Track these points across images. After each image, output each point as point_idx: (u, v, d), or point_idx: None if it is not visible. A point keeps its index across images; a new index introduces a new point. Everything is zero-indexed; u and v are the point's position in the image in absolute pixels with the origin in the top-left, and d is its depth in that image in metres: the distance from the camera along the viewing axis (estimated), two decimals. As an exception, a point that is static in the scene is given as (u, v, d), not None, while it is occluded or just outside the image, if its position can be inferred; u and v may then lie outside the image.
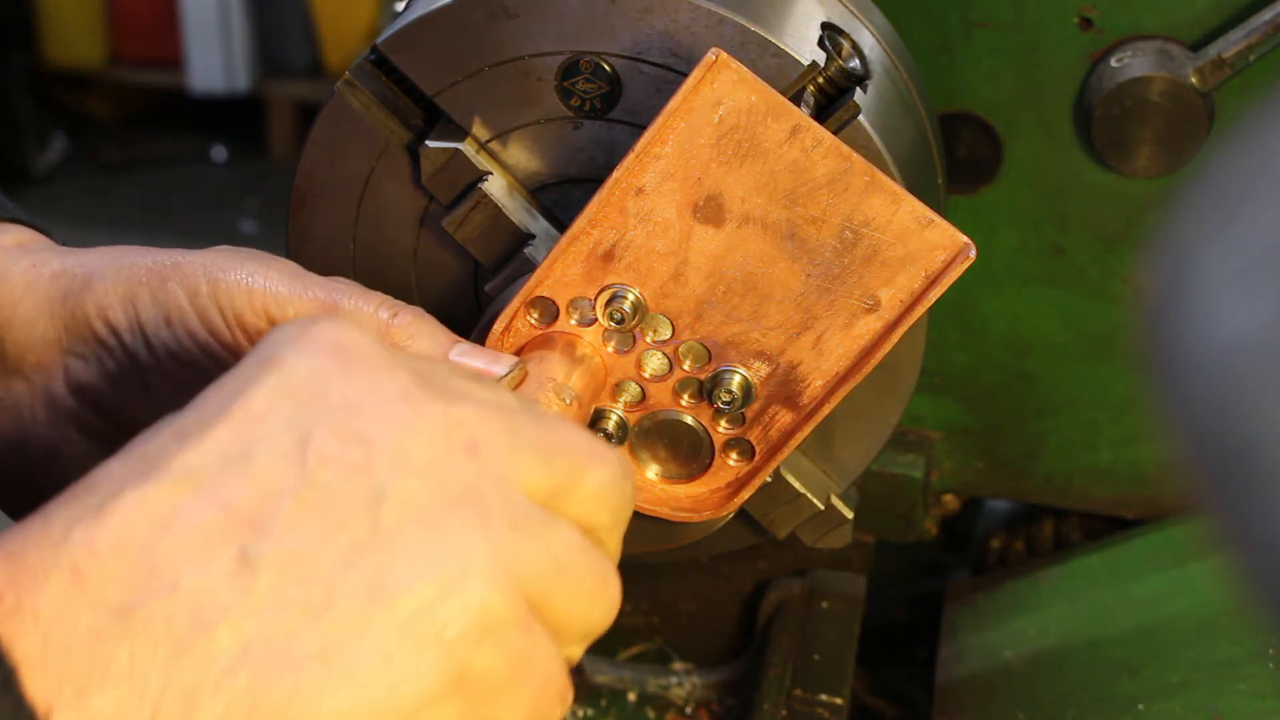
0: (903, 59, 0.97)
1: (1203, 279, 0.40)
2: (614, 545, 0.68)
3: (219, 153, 5.43)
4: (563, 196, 0.89)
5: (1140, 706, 0.95)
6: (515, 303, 0.82)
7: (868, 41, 0.92)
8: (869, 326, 0.82)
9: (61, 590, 0.56)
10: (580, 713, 1.14)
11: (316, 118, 0.89)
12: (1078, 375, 1.13)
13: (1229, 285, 0.39)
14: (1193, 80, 1.01)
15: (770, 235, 0.80)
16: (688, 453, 0.86)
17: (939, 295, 0.80)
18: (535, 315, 0.83)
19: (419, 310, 0.80)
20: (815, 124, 0.79)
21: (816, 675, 1.07)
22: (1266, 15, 1.00)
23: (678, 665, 1.18)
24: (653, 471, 0.87)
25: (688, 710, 1.15)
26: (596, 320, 0.83)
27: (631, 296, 0.82)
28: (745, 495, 0.87)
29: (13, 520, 0.83)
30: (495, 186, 0.88)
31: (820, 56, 0.85)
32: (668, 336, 0.83)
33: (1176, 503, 1.12)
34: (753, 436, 0.86)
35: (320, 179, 0.90)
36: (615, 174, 0.79)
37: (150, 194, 5.19)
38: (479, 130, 0.88)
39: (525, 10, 0.84)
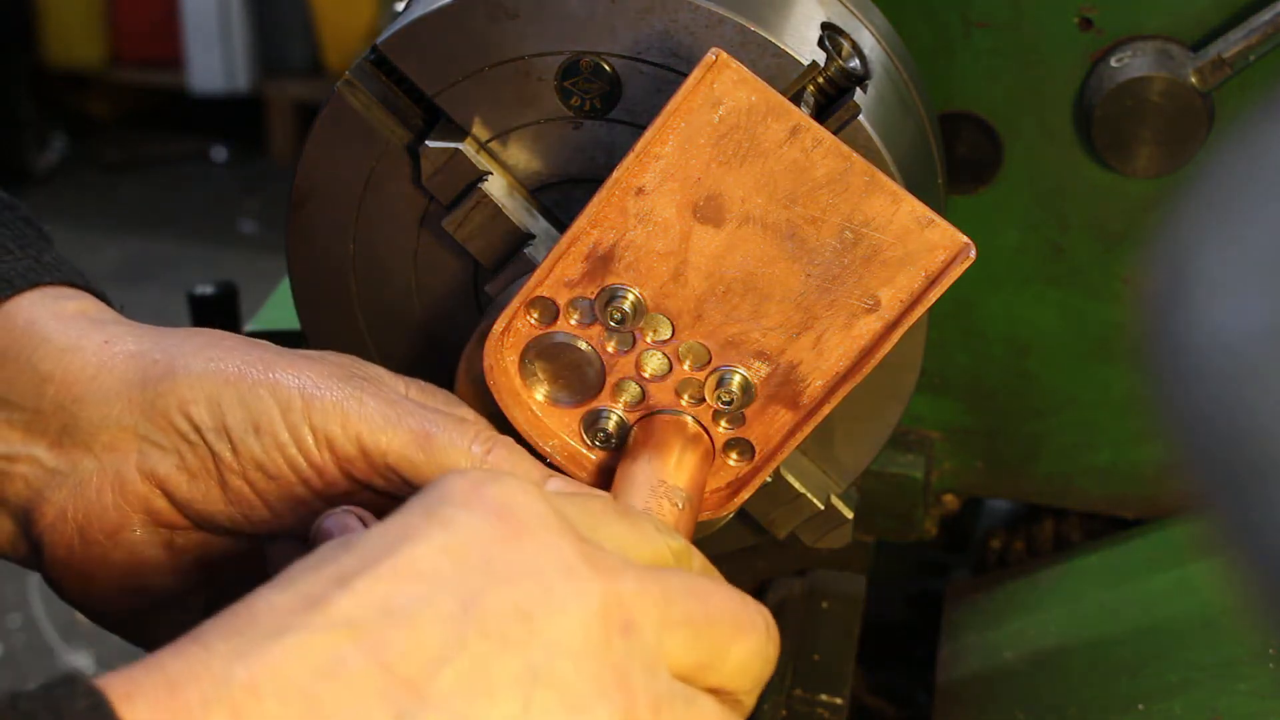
0: (903, 59, 0.97)
1: (1203, 279, 0.40)
2: (751, 703, 0.70)
3: (219, 153, 5.43)
4: (563, 196, 0.89)
5: (1140, 706, 0.95)
6: (515, 303, 0.82)
7: (868, 41, 0.92)
8: (869, 326, 0.82)
9: None
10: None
11: (316, 118, 0.89)
12: (1078, 375, 1.13)
13: (1229, 285, 0.39)
14: (1193, 80, 1.01)
15: (770, 235, 0.80)
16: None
17: (939, 295, 0.80)
18: (535, 315, 0.83)
19: (510, 442, 0.81)
20: (815, 124, 0.79)
21: (816, 675, 1.07)
22: (1266, 15, 1.00)
23: (678, 665, 1.18)
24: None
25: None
26: (596, 320, 0.83)
27: (631, 296, 0.82)
28: (745, 495, 0.87)
29: (64, 603, 0.83)
30: (495, 186, 0.88)
31: (820, 56, 0.85)
32: (668, 336, 0.83)
33: (1176, 503, 1.12)
34: (753, 436, 0.86)
35: (320, 179, 0.90)
36: (615, 174, 0.79)
37: (150, 194, 5.20)
38: (479, 130, 0.87)
39: (525, 10, 0.84)
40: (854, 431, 0.92)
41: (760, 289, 0.81)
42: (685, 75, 0.78)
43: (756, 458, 0.86)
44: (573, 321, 0.83)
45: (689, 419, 0.85)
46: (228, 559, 0.83)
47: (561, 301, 0.83)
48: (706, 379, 0.84)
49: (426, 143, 0.87)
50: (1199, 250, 0.41)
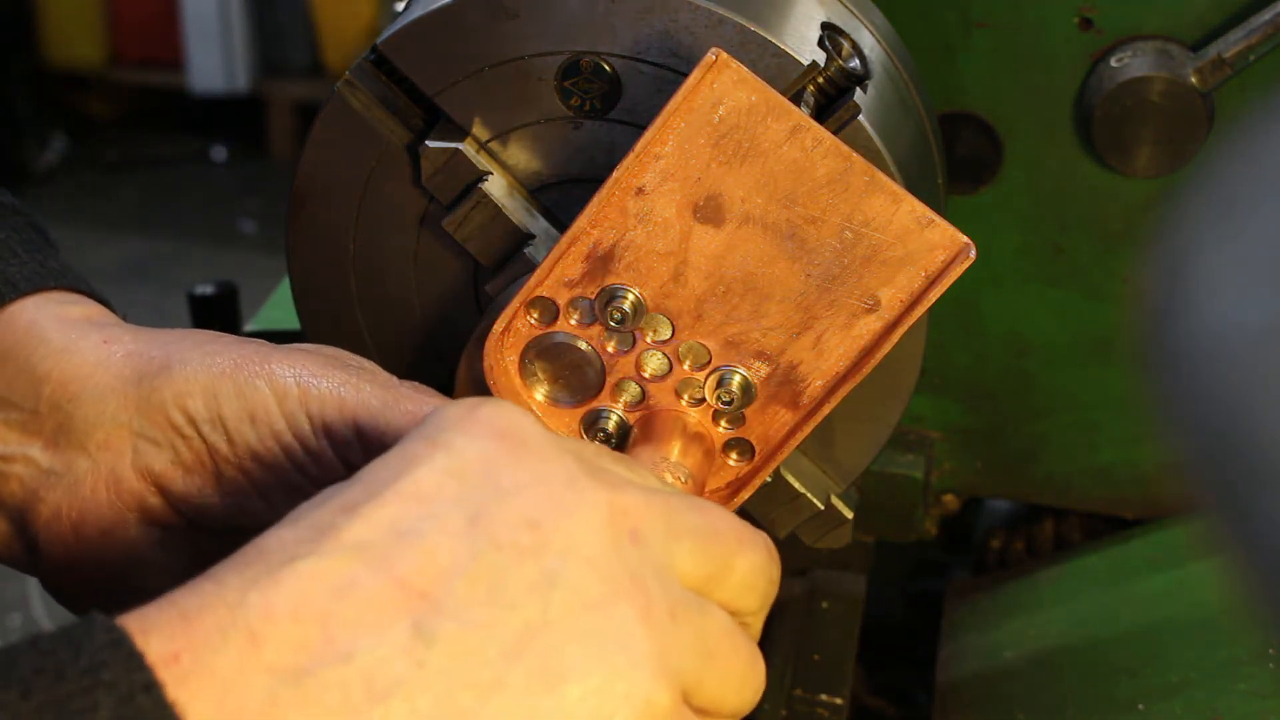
0: (903, 59, 0.97)
1: (1203, 278, 0.40)
2: (758, 627, 0.70)
3: (219, 153, 5.43)
4: (563, 196, 0.89)
5: (1140, 707, 0.95)
6: (515, 303, 0.82)
7: (868, 41, 0.92)
8: (869, 326, 0.82)
9: (238, 654, 0.56)
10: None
11: (316, 118, 0.89)
12: (1078, 375, 1.13)
13: (1229, 284, 0.39)
14: (1193, 80, 1.01)
15: (770, 235, 0.80)
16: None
17: (939, 295, 0.80)
18: (535, 315, 0.83)
19: None
20: (815, 124, 0.79)
21: (816, 675, 1.07)
22: (1266, 15, 1.00)
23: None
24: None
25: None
26: (596, 320, 0.83)
27: (631, 296, 0.82)
28: (745, 495, 0.87)
29: (61, 605, 0.83)
30: (495, 186, 0.88)
31: (820, 56, 0.85)
32: (668, 336, 0.83)
33: (1176, 503, 1.12)
34: (753, 436, 0.86)
35: (320, 179, 0.90)
36: (615, 174, 0.79)
37: (150, 194, 5.20)
38: (479, 130, 0.87)
39: (525, 10, 0.84)
40: (854, 431, 0.92)
41: (760, 289, 0.81)
42: (685, 75, 0.78)
43: (756, 458, 0.86)
44: (573, 321, 0.83)
45: (689, 417, 0.85)
46: (223, 557, 0.83)
47: (561, 301, 0.83)
48: (706, 379, 0.84)
49: (426, 143, 0.87)
50: (1199, 250, 0.41)
